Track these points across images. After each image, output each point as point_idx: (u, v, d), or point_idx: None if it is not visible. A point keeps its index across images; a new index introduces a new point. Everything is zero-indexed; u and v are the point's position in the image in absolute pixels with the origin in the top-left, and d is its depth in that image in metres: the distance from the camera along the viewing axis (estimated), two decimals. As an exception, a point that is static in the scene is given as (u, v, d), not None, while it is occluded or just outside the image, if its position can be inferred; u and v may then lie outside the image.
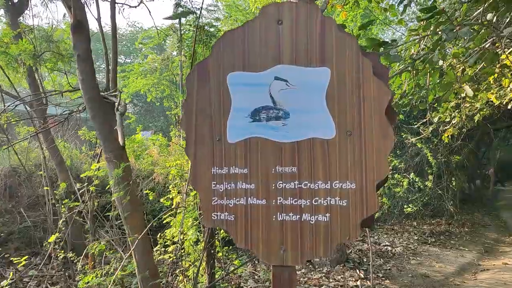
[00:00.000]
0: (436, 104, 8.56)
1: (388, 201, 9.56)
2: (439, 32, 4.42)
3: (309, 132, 2.01)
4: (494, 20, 4.52)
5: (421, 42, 5.58)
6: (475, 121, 8.89)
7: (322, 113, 2.00)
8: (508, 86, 7.81)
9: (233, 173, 2.08)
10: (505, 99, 8.26)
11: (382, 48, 4.40)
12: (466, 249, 8.56)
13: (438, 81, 5.67)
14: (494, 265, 7.67)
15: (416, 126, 8.56)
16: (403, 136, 9.80)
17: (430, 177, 9.55)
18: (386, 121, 1.91)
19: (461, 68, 5.94)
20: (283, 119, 2.04)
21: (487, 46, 4.91)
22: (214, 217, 2.08)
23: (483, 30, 4.80)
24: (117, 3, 6.70)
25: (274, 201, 2.02)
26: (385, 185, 9.69)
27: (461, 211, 13.30)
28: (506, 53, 6.03)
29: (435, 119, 8.53)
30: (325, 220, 1.97)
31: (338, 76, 2.00)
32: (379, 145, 1.91)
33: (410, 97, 8.72)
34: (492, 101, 8.44)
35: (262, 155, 2.05)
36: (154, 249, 4.13)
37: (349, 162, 1.96)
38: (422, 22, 5.79)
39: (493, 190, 20.37)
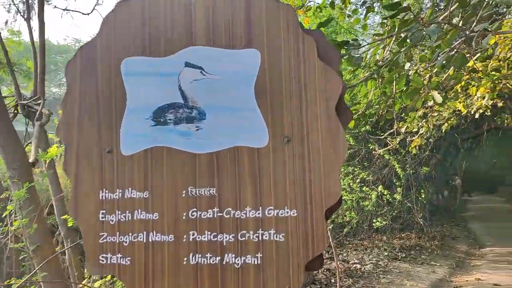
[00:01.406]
0: (403, 114, 8.18)
1: (356, 215, 9.06)
2: (405, 32, 3.97)
3: (233, 138, 1.42)
4: (460, 24, 4.11)
5: (387, 48, 5.15)
6: (443, 131, 8.55)
7: (250, 112, 1.42)
8: (475, 95, 7.49)
9: (129, 198, 1.46)
10: (472, 108, 7.94)
11: (344, 50, 3.90)
12: (437, 264, 8.11)
13: (405, 88, 5.23)
14: (467, 281, 7.23)
15: (383, 137, 8.14)
16: (371, 148, 9.36)
17: (399, 189, 9.12)
18: (337, 123, 1.35)
19: (428, 75, 5.53)
20: (198, 121, 1.45)
21: (456, 46, 4.51)
22: (102, 260, 1.45)
23: (451, 31, 4.39)
24: (69, 10, 6.09)
25: (185, 236, 1.41)
26: (353, 198, 9.21)
27: (430, 223, 12.97)
28: (473, 59, 5.66)
29: (403, 130, 8.13)
30: (256, 262, 1.37)
31: (271, 61, 1.42)
32: (329, 156, 1.35)
33: (376, 106, 8.31)
34: (459, 111, 8.11)
35: (168, 172, 1.45)
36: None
37: (287, 181, 1.38)
38: (386, 27, 5.36)
39: (460, 201, 20.28)
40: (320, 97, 1.37)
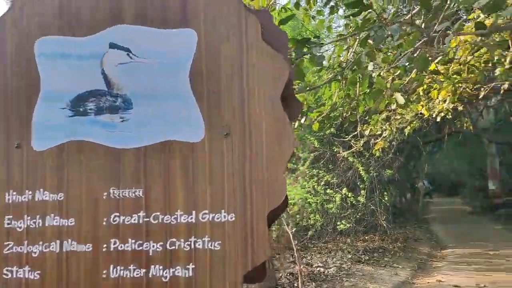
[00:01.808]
0: (367, 117, 8.16)
1: (321, 218, 8.97)
2: (367, 32, 3.87)
3: (163, 131, 1.22)
4: (423, 26, 4.05)
5: (350, 50, 5.06)
6: (406, 134, 8.58)
7: (184, 101, 1.22)
8: (437, 98, 7.53)
9: (40, 201, 1.23)
10: (434, 111, 7.99)
11: (306, 48, 3.76)
12: (400, 266, 8.11)
13: (368, 90, 5.14)
14: (428, 283, 7.23)
15: (347, 139, 8.08)
16: (335, 150, 9.31)
17: (363, 192, 9.10)
18: (283, 114, 1.17)
19: (390, 78, 5.48)
20: (123, 111, 1.24)
21: (419, 47, 4.45)
22: (6, 275, 1.23)
23: (413, 33, 4.33)
24: None
25: (105, 246, 1.21)
26: (318, 201, 9.12)
27: (394, 225, 13.07)
28: (435, 61, 5.65)
29: (366, 132, 8.10)
30: (187, 274, 1.17)
31: (209, 42, 1.23)
32: (273, 151, 1.17)
33: (340, 108, 8.25)
34: (421, 114, 8.15)
35: (87, 170, 1.24)
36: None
37: (226, 180, 1.19)
38: (350, 29, 5.27)
39: (423, 203, 20.65)
40: (264, 84, 1.19)
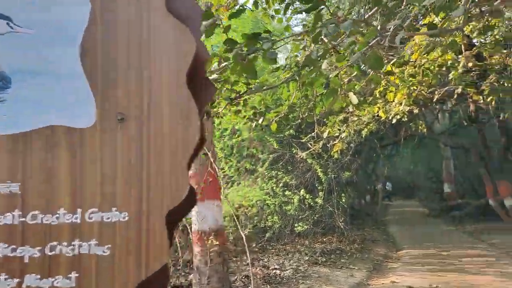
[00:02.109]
0: (325, 118, 8.12)
1: (279, 220, 8.86)
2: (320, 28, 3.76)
3: (46, 115, 1.02)
4: (378, 28, 3.97)
5: (306, 49, 4.95)
6: (363, 136, 8.61)
7: (72, 79, 1.03)
8: (393, 101, 7.56)
9: None
10: (390, 114, 8.03)
11: (259, 44, 3.60)
12: (356, 268, 8.10)
13: (325, 91, 5.05)
14: (383, 283, 7.24)
15: (303, 140, 8.01)
16: (294, 152, 9.24)
17: (321, 193, 9.07)
18: (189, 98, 1.00)
19: (347, 79, 5.42)
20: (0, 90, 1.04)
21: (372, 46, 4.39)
22: None
23: (368, 32, 4.26)
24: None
25: (-30, 251, 1.00)
26: (276, 202, 9.00)
27: (352, 227, 13.14)
28: (390, 63, 5.63)
29: (325, 134, 8.06)
30: (69, 285, 0.98)
31: (105, 12, 1.05)
32: (175, 141, 0.99)
33: (297, 109, 8.16)
34: (378, 116, 8.19)
35: (-50, 160, 1.02)
36: None
37: (118, 173, 1.00)
38: (308, 28, 5.16)
39: (382, 205, 20.98)
40: (168, 62, 1.01)
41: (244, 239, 5.37)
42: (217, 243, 5.30)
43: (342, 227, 9.66)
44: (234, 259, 8.02)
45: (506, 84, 7.60)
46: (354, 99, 4.57)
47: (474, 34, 7.16)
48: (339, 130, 8.17)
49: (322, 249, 8.87)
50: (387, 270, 8.17)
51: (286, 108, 6.25)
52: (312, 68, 4.16)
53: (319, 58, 3.91)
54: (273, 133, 9.78)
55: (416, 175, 24.53)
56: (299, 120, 9.22)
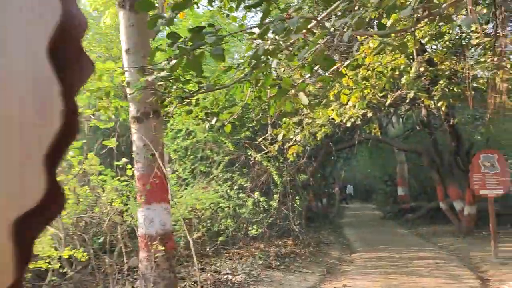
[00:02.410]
0: (279, 120, 8.00)
1: (233, 223, 8.66)
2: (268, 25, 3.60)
3: None
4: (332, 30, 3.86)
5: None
6: (318, 138, 8.55)
7: None
8: (347, 104, 7.53)
9: None
10: (345, 117, 8.01)
11: (203, 38, 3.40)
12: (310, 271, 8.01)
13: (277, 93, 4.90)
14: (335, 287, 7.20)
15: (257, 142, 7.85)
16: (250, 154, 9.08)
17: (276, 196, 8.95)
18: (49, 76, 0.78)
19: (301, 80, 5.30)
20: None
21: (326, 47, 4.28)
22: None
23: (319, 30, 4.15)
24: None
25: None
26: (231, 205, 8.80)
27: (308, 230, 13.10)
28: (343, 65, 5.56)
29: (280, 136, 7.94)
30: None
31: None
32: (29, 128, 0.77)
33: (251, 110, 8.00)
34: (333, 119, 8.15)
35: None
36: None
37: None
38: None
39: (339, 208, 21.19)
40: (25, 29, 0.79)
41: (191, 244, 5.13)
42: (163, 248, 5.02)
43: (297, 230, 9.57)
44: (186, 264, 7.75)
45: (455, 90, 7.74)
46: (304, 99, 4.44)
47: (426, 40, 7.25)
48: (294, 132, 8.08)
49: (276, 253, 8.73)
50: (340, 273, 8.13)
51: (240, 109, 6.07)
52: (262, 65, 3.99)
53: (266, 57, 3.74)
54: (229, 135, 9.59)
55: (373, 178, 24.96)
56: (255, 122, 9.10)
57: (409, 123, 15.83)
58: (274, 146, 8.64)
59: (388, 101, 7.12)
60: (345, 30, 3.33)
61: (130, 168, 6.28)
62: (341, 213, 20.16)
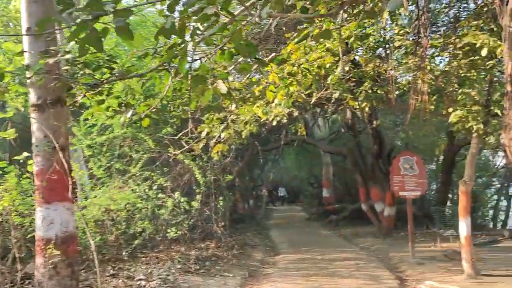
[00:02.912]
0: (202, 116, 7.55)
1: (151, 225, 8.03)
2: None
3: None
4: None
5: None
6: (243, 137, 8.19)
7: None
8: (273, 101, 7.27)
9: None
10: (271, 115, 7.73)
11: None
12: (231, 275, 7.61)
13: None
14: (256, 291, 6.90)
15: (178, 138, 7.34)
16: (170, 151, 8.50)
17: (198, 196, 8.45)
18: None
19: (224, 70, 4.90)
20: None
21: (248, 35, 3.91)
22: None
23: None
24: None
25: None
26: (149, 206, 8.19)
27: (233, 232, 12.75)
28: (268, 58, 5.26)
29: (203, 133, 7.49)
30: None
31: None
32: None
33: (169, 102, 7.48)
34: (259, 117, 7.85)
35: None
36: None
37: None
38: None
39: (266, 210, 21.07)
40: None
41: (93, 247, 4.54)
42: (58, 252, 4.39)
43: (220, 232, 9.15)
44: (95, 269, 7.03)
45: (379, 92, 7.74)
46: (223, 88, 4.05)
47: (351, 40, 7.17)
48: (219, 130, 7.67)
49: (197, 256, 8.26)
50: (262, 276, 7.83)
51: (158, 102, 5.53)
52: (176, 51, 3.54)
53: (180, 38, 3.29)
54: (150, 131, 8.97)
55: (301, 180, 25.21)
56: (175, 118, 8.56)
57: (335, 126, 16.06)
58: (198, 144, 8.18)
59: (313, 100, 6.93)
60: (264, 9, 2.98)
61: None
62: (269, 215, 20.04)
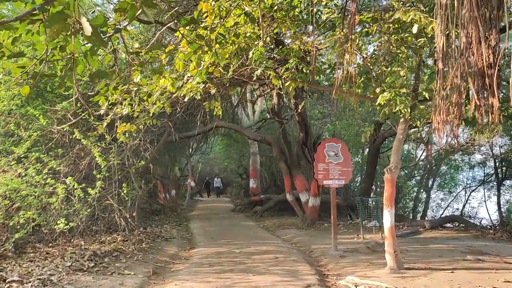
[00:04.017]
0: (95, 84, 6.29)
1: (38, 216, 6.67)
2: None
3: None
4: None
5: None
6: (150, 114, 7.03)
7: None
8: (183, 73, 6.22)
9: None
10: (182, 91, 6.66)
11: None
12: (132, 273, 6.46)
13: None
14: (156, 292, 5.83)
15: (84, 116, 6.04)
16: (66, 130, 7.16)
17: (98, 183, 7.18)
18: None
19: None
20: None
21: None
22: None
23: None
24: None
25: None
26: (36, 193, 6.82)
27: (148, 223, 11.56)
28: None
29: (102, 109, 6.24)
30: None
31: None
32: None
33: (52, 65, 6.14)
34: (170, 93, 6.76)
35: None
36: None
37: None
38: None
39: (191, 201, 19.92)
40: None
41: None
42: None
43: (124, 224, 7.93)
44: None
45: (304, 71, 6.94)
46: (87, 28, 2.92)
47: (275, 9, 6.29)
48: (122, 106, 6.47)
49: (95, 252, 7.00)
50: (169, 273, 6.76)
51: (35, 61, 4.22)
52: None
53: None
54: (44, 106, 7.53)
55: (229, 172, 24.32)
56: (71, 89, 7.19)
57: (263, 114, 15.26)
58: (102, 124, 6.92)
59: (230, 72, 5.95)
60: None
61: None
62: (193, 206, 18.90)
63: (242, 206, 16.44)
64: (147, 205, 13.97)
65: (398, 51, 5.79)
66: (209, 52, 5.41)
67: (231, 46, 5.92)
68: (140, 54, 4.79)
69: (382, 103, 6.21)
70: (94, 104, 6.77)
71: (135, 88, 5.97)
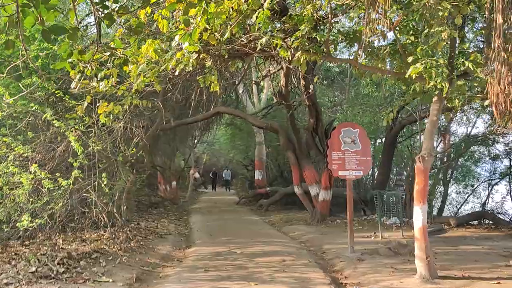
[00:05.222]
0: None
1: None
2: None
3: None
4: None
5: None
6: (133, 90, 5.77)
7: None
8: (170, 37, 4.98)
9: None
10: (171, 62, 5.39)
11: None
12: (110, 280, 5.26)
13: None
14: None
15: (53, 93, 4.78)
16: (37, 111, 5.93)
17: (75, 172, 5.96)
18: None
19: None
20: None
21: None
22: None
23: None
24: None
25: None
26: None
27: (144, 218, 10.39)
28: None
29: (74, 83, 5.00)
30: None
31: None
32: None
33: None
34: (155, 63, 5.51)
35: None
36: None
37: None
38: None
39: (194, 193, 18.72)
40: None
41: None
42: None
43: (117, 219, 6.71)
44: None
45: (319, 40, 5.64)
46: None
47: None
48: (96, 77, 5.20)
49: (70, 253, 5.78)
50: (156, 280, 5.56)
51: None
52: None
53: None
54: (15, 85, 6.30)
55: (235, 163, 23.10)
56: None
57: (270, 101, 13.95)
58: (82, 104, 5.69)
59: (227, 35, 4.67)
60: None
61: None
62: (196, 198, 17.68)
63: (246, 199, 15.17)
64: (146, 198, 12.79)
65: (439, 7, 4.44)
66: (199, 6, 4.10)
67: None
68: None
69: (414, 77, 4.90)
70: (67, 76, 5.55)
71: (108, 53, 4.68)
